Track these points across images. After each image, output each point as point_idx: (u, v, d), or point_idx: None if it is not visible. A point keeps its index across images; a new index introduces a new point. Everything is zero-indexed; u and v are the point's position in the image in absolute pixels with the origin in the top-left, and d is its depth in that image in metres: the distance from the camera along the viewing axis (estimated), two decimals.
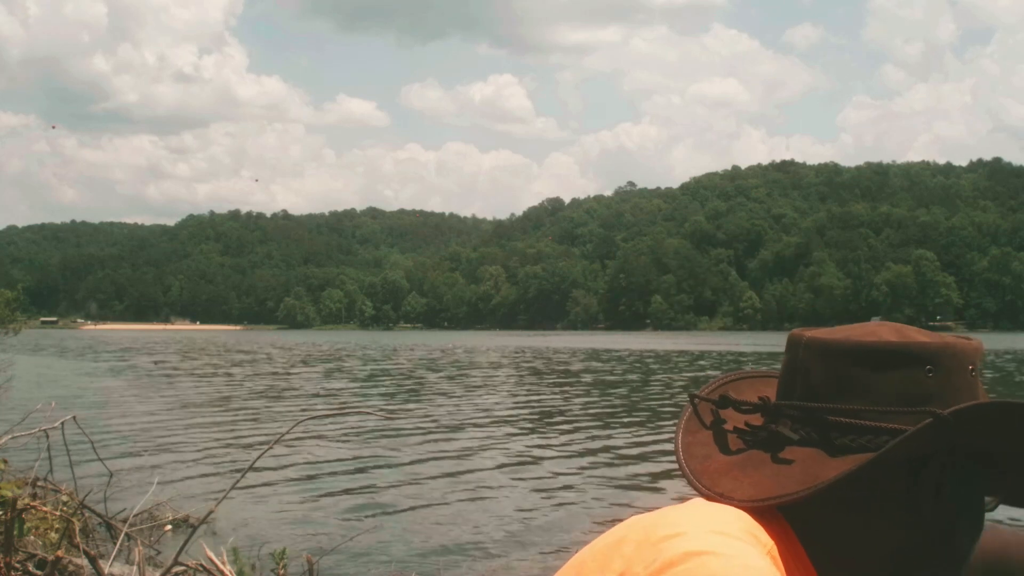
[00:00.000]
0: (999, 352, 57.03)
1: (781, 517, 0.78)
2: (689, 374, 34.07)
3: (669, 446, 13.69)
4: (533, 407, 20.61)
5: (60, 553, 4.63)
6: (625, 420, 18.02)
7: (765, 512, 0.77)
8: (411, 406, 20.43)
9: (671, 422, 17.10)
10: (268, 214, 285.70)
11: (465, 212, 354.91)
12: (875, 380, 0.78)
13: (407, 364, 41.44)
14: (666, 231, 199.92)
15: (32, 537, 5.32)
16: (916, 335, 0.80)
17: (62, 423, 6.67)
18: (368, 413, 13.69)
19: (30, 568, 4.71)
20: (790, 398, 0.83)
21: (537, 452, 13.21)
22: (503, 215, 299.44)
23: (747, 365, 41.00)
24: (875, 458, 0.75)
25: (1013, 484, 0.86)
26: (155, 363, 41.32)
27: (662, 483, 10.75)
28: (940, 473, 0.78)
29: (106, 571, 4.79)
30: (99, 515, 6.81)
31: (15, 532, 4.35)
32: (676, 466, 0.85)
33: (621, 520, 0.79)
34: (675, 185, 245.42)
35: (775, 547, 0.73)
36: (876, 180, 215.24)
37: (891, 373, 0.77)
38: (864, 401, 0.77)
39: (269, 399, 22.54)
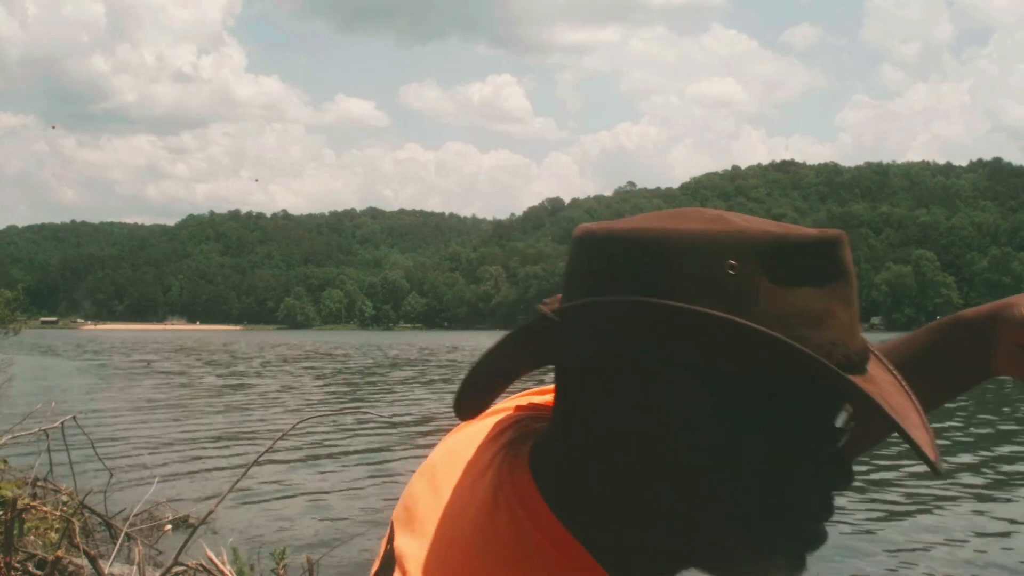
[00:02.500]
0: None
1: (548, 513, 0.68)
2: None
3: None
4: None
5: (60, 553, 4.63)
6: None
7: (530, 507, 0.68)
8: (411, 406, 20.43)
9: None
10: (268, 214, 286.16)
11: (465, 212, 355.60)
12: (588, 267, 0.65)
13: (405, 364, 41.44)
14: None
15: (32, 537, 5.33)
16: (665, 222, 0.64)
17: (62, 423, 6.68)
18: (368, 413, 13.70)
19: (30, 568, 4.71)
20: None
21: None
22: (503, 215, 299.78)
23: None
24: (490, 351, 0.66)
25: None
26: (147, 363, 41.28)
27: None
28: (671, 392, 0.63)
29: (106, 571, 4.79)
30: (99, 515, 6.80)
31: (15, 532, 4.35)
32: None
33: None
34: (675, 185, 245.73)
35: None
36: (876, 180, 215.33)
37: (600, 259, 0.65)
38: (590, 293, 0.64)
39: (269, 399, 22.54)
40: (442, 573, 0.66)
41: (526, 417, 0.78)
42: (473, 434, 0.78)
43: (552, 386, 0.73)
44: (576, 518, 0.67)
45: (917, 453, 0.60)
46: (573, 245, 0.68)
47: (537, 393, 0.85)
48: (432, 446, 0.75)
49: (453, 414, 0.72)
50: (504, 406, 0.81)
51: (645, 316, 0.60)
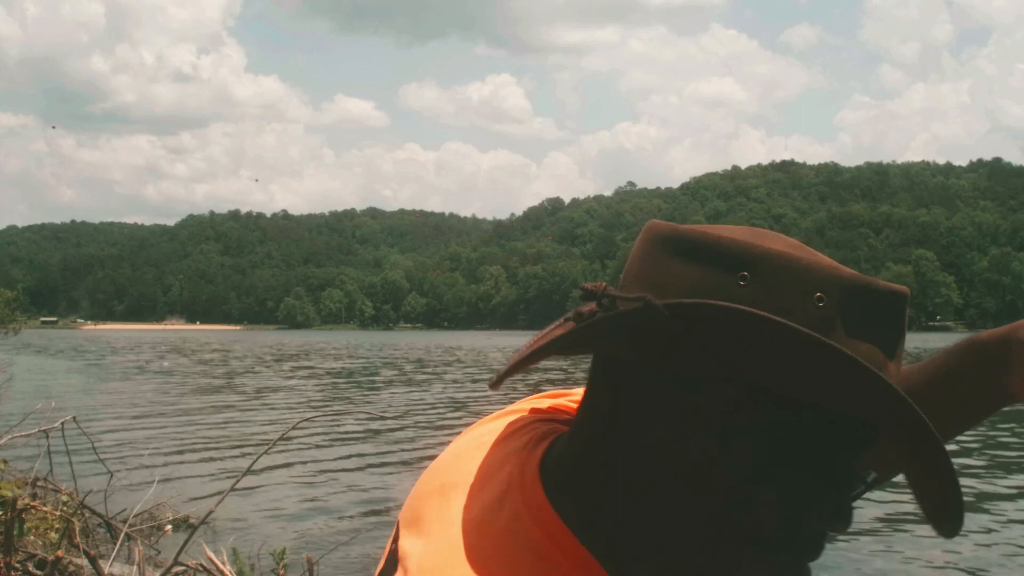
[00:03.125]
0: None
1: (556, 519, 0.67)
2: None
3: None
4: None
5: (60, 553, 4.63)
6: None
7: (535, 511, 0.68)
8: (411, 405, 20.44)
9: None
10: (268, 214, 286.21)
11: (465, 212, 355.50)
12: (677, 272, 0.64)
13: (404, 364, 41.46)
14: None
15: (32, 537, 5.32)
16: (756, 238, 0.65)
17: (62, 423, 6.68)
18: (368, 413, 13.71)
19: (30, 568, 4.71)
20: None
21: None
22: (503, 215, 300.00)
23: None
24: (575, 330, 0.63)
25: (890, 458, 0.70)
26: (151, 361, 41.32)
27: None
28: (724, 409, 0.63)
29: (106, 571, 4.79)
30: (99, 515, 6.81)
31: (15, 532, 4.35)
32: None
33: None
34: (675, 185, 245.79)
35: None
36: (876, 180, 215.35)
37: (696, 268, 0.63)
38: (661, 292, 0.63)
39: (269, 399, 22.55)
40: (442, 572, 0.65)
41: (541, 419, 0.77)
42: (483, 435, 0.77)
43: (567, 390, 0.74)
44: (585, 525, 0.67)
45: (950, 499, 0.64)
46: (651, 239, 0.68)
47: (551, 396, 0.84)
48: (433, 445, 0.78)
49: (488, 386, 0.71)
50: (518, 407, 0.80)
51: (758, 329, 0.59)
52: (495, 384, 0.68)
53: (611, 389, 0.68)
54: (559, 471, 0.69)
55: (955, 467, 0.62)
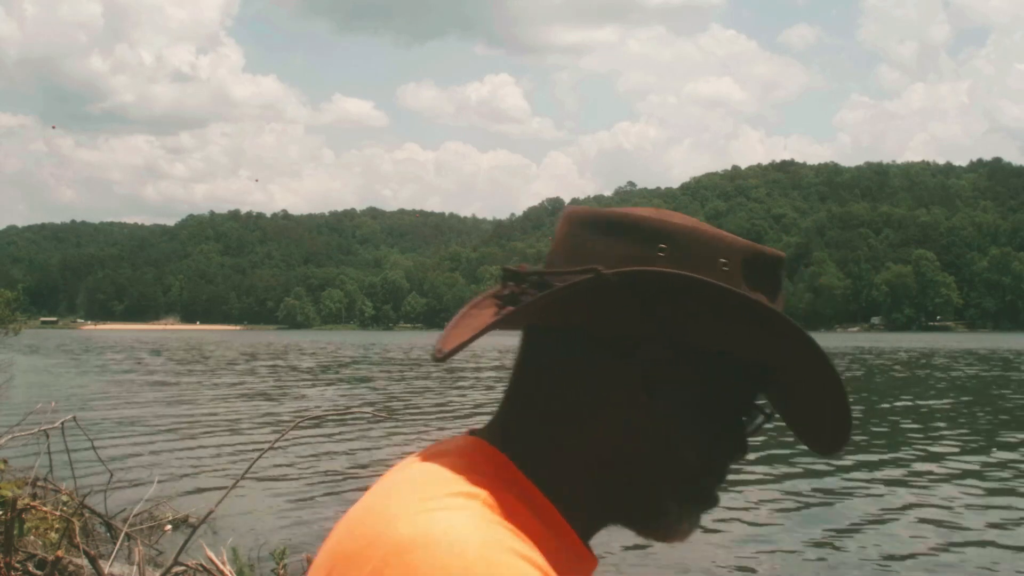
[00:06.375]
0: (999, 352, 57.04)
1: (496, 450, 0.74)
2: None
3: None
4: None
5: (60, 553, 4.63)
6: None
7: (478, 449, 0.75)
8: (410, 405, 20.43)
9: None
10: (268, 214, 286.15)
11: (465, 212, 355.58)
12: (602, 248, 0.73)
13: (405, 364, 41.43)
14: None
15: (32, 537, 5.32)
16: (665, 216, 0.75)
17: (62, 423, 6.67)
18: (368, 413, 13.70)
19: (30, 568, 4.70)
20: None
21: None
22: (503, 215, 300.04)
23: None
24: (522, 307, 0.72)
25: (797, 405, 0.78)
26: (146, 359, 41.29)
27: None
28: (652, 363, 0.72)
29: (106, 571, 4.79)
30: (99, 515, 6.80)
31: (15, 532, 4.35)
32: None
33: None
34: (675, 185, 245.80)
35: (488, 495, 0.67)
36: (876, 180, 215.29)
37: (620, 244, 0.72)
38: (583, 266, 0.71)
39: (269, 399, 22.54)
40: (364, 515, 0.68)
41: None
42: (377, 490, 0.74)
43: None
44: (523, 461, 0.74)
45: (843, 414, 0.76)
46: (573, 220, 0.78)
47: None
48: (433, 443, 0.78)
49: (433, 357, 0.74)
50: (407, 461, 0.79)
51: (685, 289, 0.69)
52: (442, 359, 0.72)
53: (546, 356, 0.76)
54: (496, 435, 0.76)
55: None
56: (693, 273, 0.69)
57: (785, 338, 0.71)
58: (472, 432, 0.79)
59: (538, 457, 0.74)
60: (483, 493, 0.67)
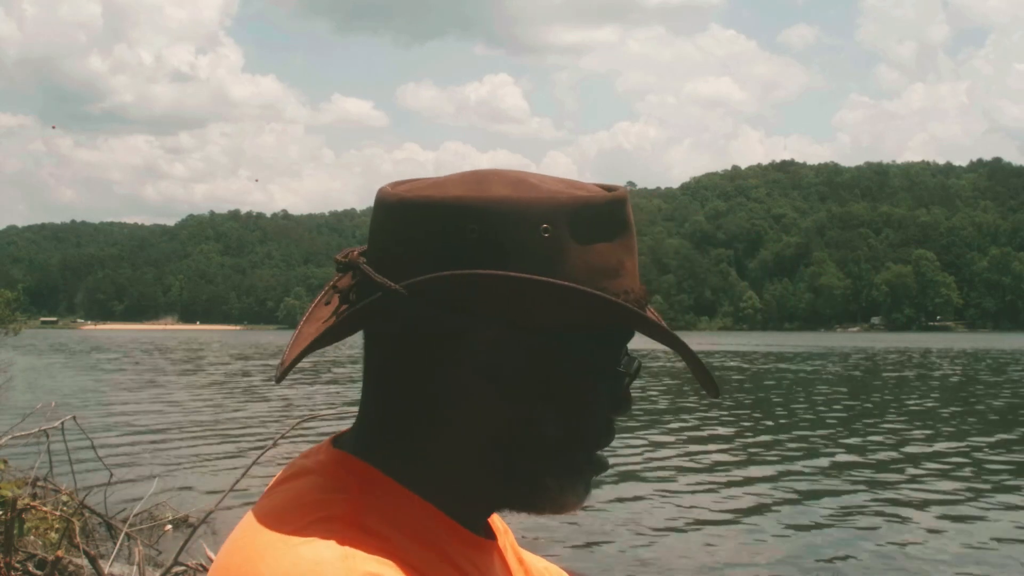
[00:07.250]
0: (999, 351, 57.05)
1: (359, 462, 0.73)
2: (688, 374, 33.99)
3: (665, 450, 13.52)
4: None
5: (60, 553, 4.63)
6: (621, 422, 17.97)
7: (342, 463, 0.73)
8: None
9: (668, 423, 17.10)
10: (268, 214, 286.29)
11: None
12: (413, 240, 0.70)
13: None
14: (666, 231, 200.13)
15: (32, 537, 5.32)
16: (484, 186, 0.71)
17: (62, 423, 6.68)
18: None
19: (30, 568, 4.71)
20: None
21: None
22: None
23: (746, 365, 40.99)
24: (332, 327, 0.71)
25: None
26: (144, 359, 41.30)
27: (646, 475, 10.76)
28: (485, 350, 0.70)
29: (106, 571, 4.79)
30: (99, 515, 6.80)
31: (15, 532, 4.35)
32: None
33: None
34: (675, 185, 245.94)
35: (353, 515, 0.67)
36: (876, 180, 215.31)
37: (428, 233, 0.69)
38: (399, 261, 0.70)
39: (269, 399, 22.53)
40: (235, 553, 0.67)
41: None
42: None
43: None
44: (390, 465, 0.72)
45: (698, 371, 0.76)
46: (382, 208, 0.74)
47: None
48: (299, 456, 0.77)
49: (276, 380, 0.74)
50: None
51: (485, 287, 0.67)
52: (279, 379, 0.72)
53: (384, 357, 0.74)
54: (360, 442, 0.75)
55: (690, 347, 0.73)
56: (511, 249, 0.67)
57: (607, 311, 0.70)
58: (336, 439, 0.77)
59: (403, 458, 0.72)
60: (347, 514, 0.67)
